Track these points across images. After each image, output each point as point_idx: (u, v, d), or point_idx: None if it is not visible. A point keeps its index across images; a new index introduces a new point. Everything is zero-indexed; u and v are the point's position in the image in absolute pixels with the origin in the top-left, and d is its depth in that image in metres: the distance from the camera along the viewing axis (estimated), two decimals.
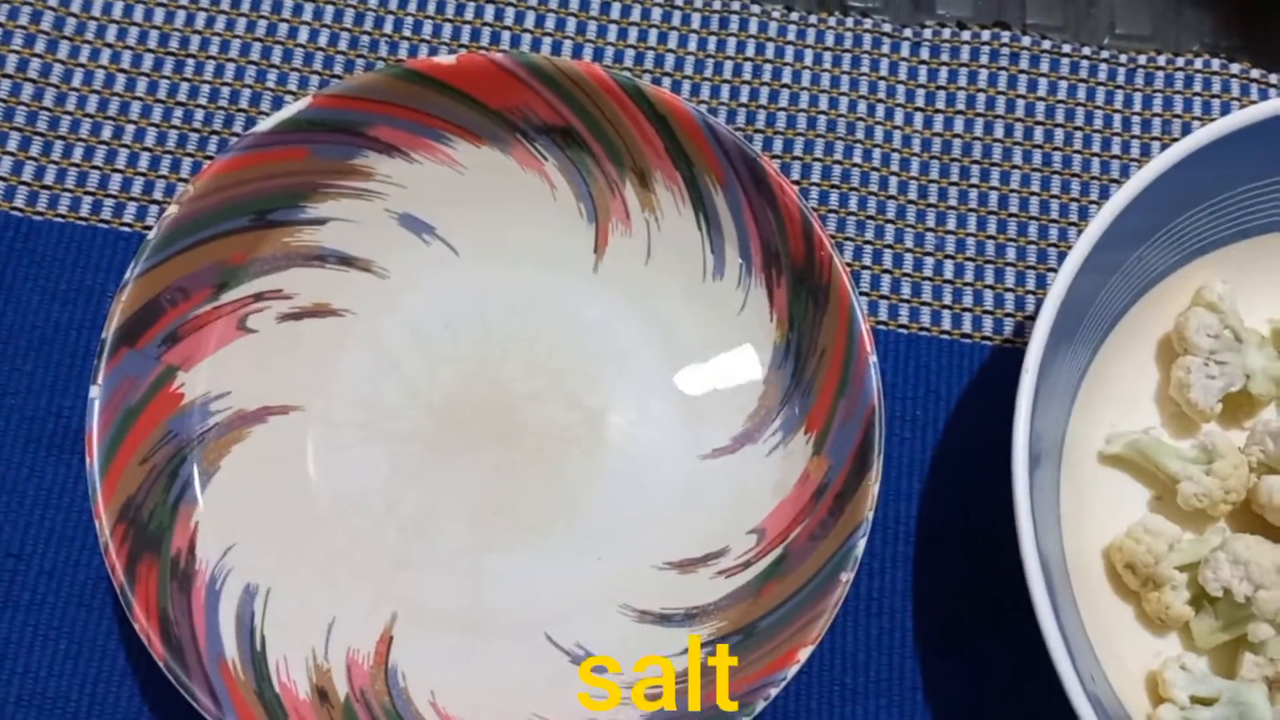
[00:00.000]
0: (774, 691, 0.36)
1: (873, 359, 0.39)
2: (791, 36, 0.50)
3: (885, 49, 0.49)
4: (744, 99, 0.49)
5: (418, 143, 0.42)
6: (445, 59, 0.41)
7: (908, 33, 0.50)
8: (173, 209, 0.39)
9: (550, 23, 0.49)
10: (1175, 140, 0.49)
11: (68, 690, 0.41)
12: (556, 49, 0.49)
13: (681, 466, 0.42)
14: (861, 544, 0.37)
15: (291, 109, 0.40)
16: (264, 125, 0.40)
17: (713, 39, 0.49)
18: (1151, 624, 0.42)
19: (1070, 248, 0.47)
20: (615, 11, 0.50)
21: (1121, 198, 0.39)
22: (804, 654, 0.36)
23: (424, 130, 0.42)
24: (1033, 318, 0.46)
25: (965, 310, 0.46)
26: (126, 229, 0.46)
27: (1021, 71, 0.49)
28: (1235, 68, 0.49)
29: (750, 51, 0.49)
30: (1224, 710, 0.39)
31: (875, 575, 0.43)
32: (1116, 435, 0.43)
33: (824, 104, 0.48)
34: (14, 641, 0.42)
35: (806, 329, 0.41)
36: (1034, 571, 0.36)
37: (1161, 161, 0.39)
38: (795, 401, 0.41)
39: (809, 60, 0.49)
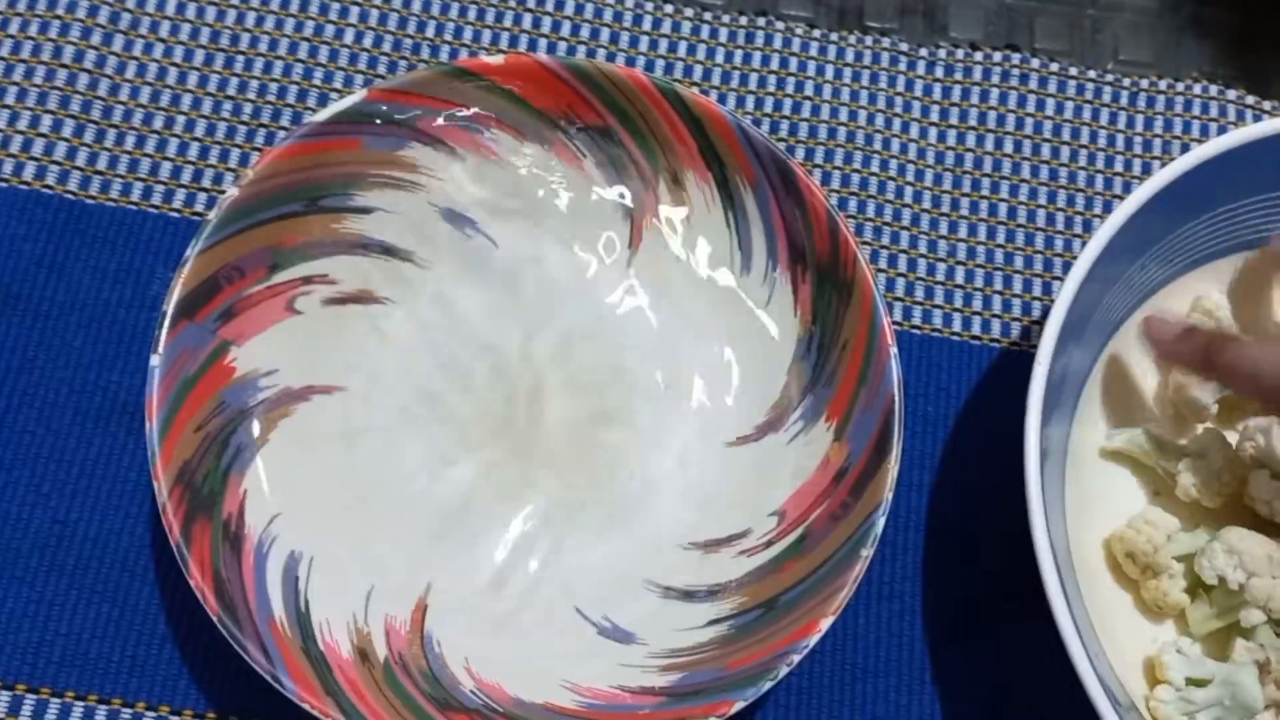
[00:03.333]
0: (797, 658, 0.38)
1: (893, 350, 0.41)
2: (814, 52, 0.52)
3: (902, 66, 0.52)
4: (768, 109, 0.51)
5: (463, 138, 0.45)
6: (493, 58, 0.43)
7: (923, 52, 0.52)
8: (233, 190, 0.41)
9: (585, 32, 0.52)
10: (1173, 159, 0.51)
11: (109, 653, 0.43)
12: (591, 57, 0.51)
13: (707, 453, 0.44)
14: (881, 522, 0.39)
15: (348, 100, 0.42)
16: (322, 115, 0.42)
17: (739, 52, 0.52)
18: (1149, 611, 0.44)
19: (1075, 257, 0.50)
20: (647, 23, 0.52)
21: (1124, 211, 0.41)
22: (825, 624, 0.38)
23: (470, 126, 0.44)
24: (1039, 322, 0.49)
25: (975, 314, 0.49)
26: (175, 214, 0.48)
27: (1030, 91, 0.52)
28: (1232, 94, 0.52)
29: (775, 65, 0.52)
30: (1217, 690, 0.41)
31: (887, 561, 0.45)
32: (1118, 432, 0.46)
33: (844, 116, 0.51)
34: (58, 605, 0.43)
35: (830, 323, 0.43)
36: (1046, 558, 0.38)
37: (1161, 177, 0.42)
38: (817, 391, 0.43)
39: (830, 75, 0.52)
